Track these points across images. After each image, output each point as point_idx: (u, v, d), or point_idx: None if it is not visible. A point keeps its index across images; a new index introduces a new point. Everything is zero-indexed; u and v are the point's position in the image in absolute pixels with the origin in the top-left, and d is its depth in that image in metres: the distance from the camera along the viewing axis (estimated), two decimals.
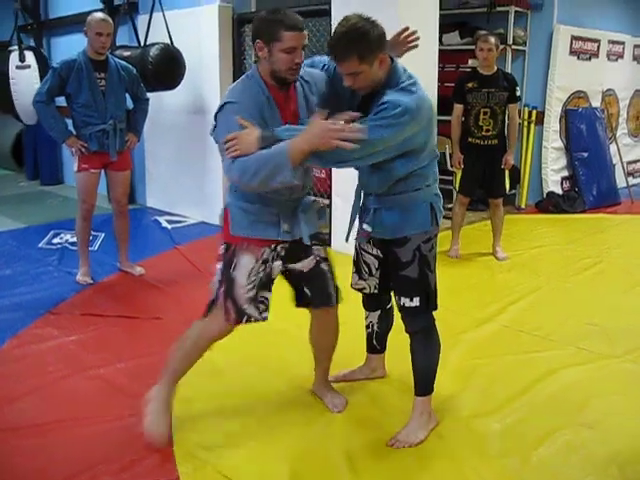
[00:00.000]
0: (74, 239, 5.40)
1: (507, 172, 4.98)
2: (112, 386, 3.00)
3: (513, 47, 6.64)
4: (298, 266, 2.57)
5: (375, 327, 2.96)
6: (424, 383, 2.63)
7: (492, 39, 4.75)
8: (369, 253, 2.68)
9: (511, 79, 4.92)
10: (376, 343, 3.02)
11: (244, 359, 3.28)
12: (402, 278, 2.52)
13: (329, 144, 2.11)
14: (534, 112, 6.78)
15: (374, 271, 2.70)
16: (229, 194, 2.49)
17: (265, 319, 2.53)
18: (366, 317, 2.96)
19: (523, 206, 6.95)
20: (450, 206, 6.19)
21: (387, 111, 2.19)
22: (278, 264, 2.51)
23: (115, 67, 4.30)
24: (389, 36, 2.48)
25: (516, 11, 6.60)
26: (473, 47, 6.51)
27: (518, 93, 4.90)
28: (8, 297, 4.20)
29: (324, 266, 2.61)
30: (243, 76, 2.41)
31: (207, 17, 5.82)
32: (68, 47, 7.48)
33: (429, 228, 2.48)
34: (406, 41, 2.61)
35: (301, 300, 2.66)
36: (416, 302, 2.52)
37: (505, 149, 4.92)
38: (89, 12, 6.83)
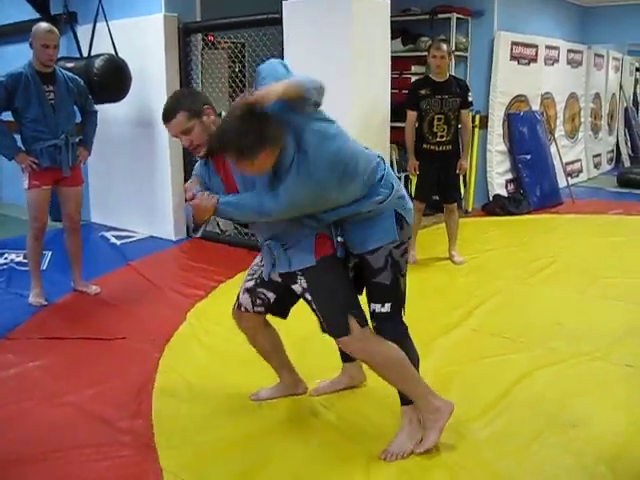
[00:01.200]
0: (19, 258, 5.23)
1: (461, 177, 5.05)
2: (87, 413, 2.85)
3: (456, 53, 6.75)
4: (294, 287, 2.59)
5: None
6: (410, 389, 2.58)
7: (444, 46, 4.82)
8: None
9: (463, 85, 4.99)
10: None
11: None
12: (375, 285, 2.51)
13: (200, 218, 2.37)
14: (478, 116, 6.91)
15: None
16: None
17: (258, 313, 2.71)
18: None
19: (470, 209, 7.06)
20: None
21: None
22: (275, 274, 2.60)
23: (63, 79, 4.14)
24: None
25: (457, 18, 6.72)
26: (416, 54, 6.68)
27: (470, 99, 4.97)
28: None
29: (307, 296, 2.52)
30: None
31: (152, 27, 5.68)
32: (2, 58, 7.22)
33: (395, 237, 2.45)
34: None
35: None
36: (387, 308, 2.51)
37: (459, 154, 4.99)
38: (25, 22, 6.67)
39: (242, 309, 2.73)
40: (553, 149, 7.86)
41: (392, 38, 6.69)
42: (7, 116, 4.06)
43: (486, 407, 2.87)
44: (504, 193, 7.19)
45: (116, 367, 3.32)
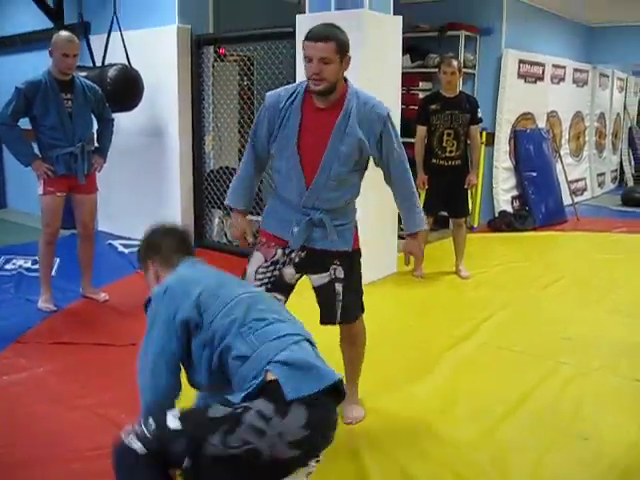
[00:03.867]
0: (28, 264, 5.25)
1: (469, 192, 5.09)
2: (101, 418, 2.85)
3: (463, 70, 6.80)
4: (312, 278, 2.67)
5: None
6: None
7: (455, 62, 4.87)
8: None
9: (473, 101, 5.05)
10: None
11: None
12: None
13: None
14: (484, 133, 6.95)
15: None
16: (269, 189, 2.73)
17: None
18: None
19: (476, 225, 7.09)
20: None
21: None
22: (290, 271, 2.61)
23: (81, 87, 4.18)
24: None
25: (466, 35, 6.79)
26: (424, 70, 6.74)
27: (480, 115, 5.02)
28: None
29: (338, 287, 2.64)
30: None
31: (165, 38, 5.74)
32: (15, 66, 7.30)
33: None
34: None
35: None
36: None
37: (467, 169, 5.03)
38: (37, 31, 6.75)
39: None
40: (558, 167, 7.91)
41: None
42: (25, 124, 4.11)
43: (495, 420, 2.88)
44: (510, 209, 7.23)
45: (126, 372, 3.28)
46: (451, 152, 4.92)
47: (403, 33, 6.99)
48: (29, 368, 3.40)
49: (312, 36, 2.40)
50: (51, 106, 4.01)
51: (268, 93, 2.62)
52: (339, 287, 2.64)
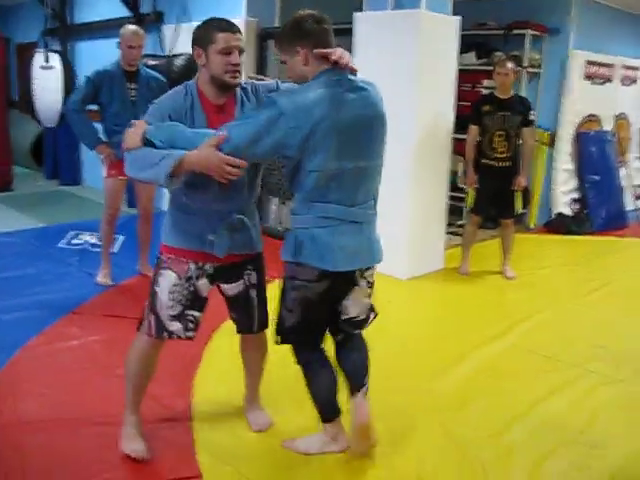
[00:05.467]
0: (93, 240, 5.59)
1: (519, 193, 5.11)
2: None
3: (528, 70, 6.78)
4: (226, 288, 2.58)
5: None
6: (317, 410, 2.61)
7: (509, 64, 4.89)
8: None
9: (526, 103, 5.05)
10: None
11: None
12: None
13: (218, 174, 2.17)
14: (546, 134, 6.90)
15: None
16: (168, 202, 2.49)
17: (190, 338, 2.53)
18: None
19: (532, 226, 7.05)
20: (460, 223, 6.37)
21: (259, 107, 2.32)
22: (204, 282, 2.48)
23: (145, 77, 4.44)
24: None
25: (532, 34, 6.73)
26: (489, 68, 6.72)
27: (532, 117, 5.03)
28: (32, 295, 4.34)
29: (252, 293, 2.60)
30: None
31: None
32: (93, 52, 7.69)
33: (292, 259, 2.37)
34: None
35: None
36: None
37: (518, 171, 5.04)
38: (115, 19, 7.09)
39: (174, 337, 2.51)
40: (623, 171, 7.75)
41: (466, 51, 6.85)
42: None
43: (508, 420, 2.97)
44: (568, 212, 7.15)
45: (171, 348, 3.53)
46: (501, 153, 4.95)
47: (469, 30, 7.03)
48: (80, 337, 3.71)
49: (229, 27, 2.31)
50: (116, 94, 4.29)
51: (159, 100, 2.40)
52: (253, 293, 2.59)
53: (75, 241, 5.72)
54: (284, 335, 2.51)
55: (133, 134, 2.26)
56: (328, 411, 2.60)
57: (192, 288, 2.46)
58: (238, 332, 2.74)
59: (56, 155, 8.61)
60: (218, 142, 2.13)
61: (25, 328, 3.78)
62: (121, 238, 5.59)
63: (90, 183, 8.30)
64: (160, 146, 2.20)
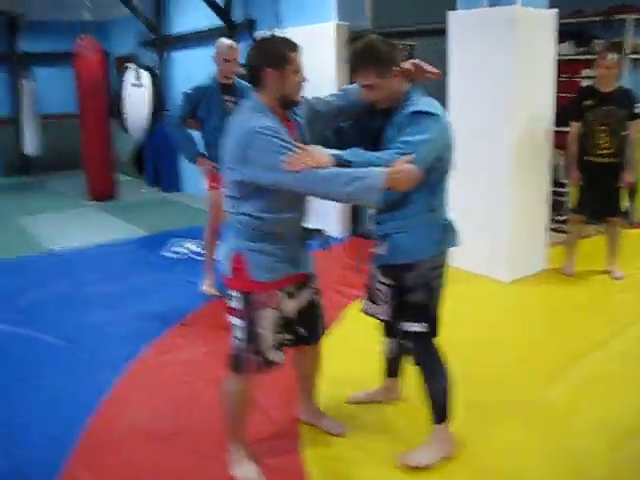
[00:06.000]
0: (197, 248, 5.72)
1: (625, 190, 4.91)
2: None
3: (631, 57, 6.47)
4: (298, 301, 2.58)
5: (392, 353, 3.02)
6: (436, 411, 2.67)
7: (612, 56, 4.66)
8: (380, 281, 2.71)
9: (632, 96, 4.81)
10: (392, 367, 3.09)
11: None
12: (406, 303, 2.61)
13: (404, 187, 2.28)
14: None
15: (388, 298, 2.71)
16: (237, 238, 2.43)
17: (283, 363, 2.56)
18: (383, 342, 3.02)
19: (637, 221, 6.73)
20: (561, 218, 6.15)
21: (420, 121, 2.37)
22: (292, 304, 2.53)
23: (240, 89, 4.52)
24: None
25: (635, 19, 6.42)
26: (588, 57, 6.47)
27: (638, 110, 4.80)
28: (138, 306, 4.55)
29: (318, 299, 2.68)
30: (247, 108, 2.38)
31: (324, 35, 5.98)
32: (186, 62, 7.92)
33: (436, 251, 2.56)
34: (421, 73, 2.61)
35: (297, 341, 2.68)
36: (417, 327, 2.60)
37: (623, 167, 4.83)
38: (208, 29, 7.27)
39: (274, 367, 2.54)
40: None
41: (563, 41, 6.62)
42: None
43: (623, 433, 2.87)
44: None
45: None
46: (605, 149, 4.75)
47: (564, 19, 6.79)
48: (188, 349, 3.84)
49: (296, 45, 2.38)
50: (214, 109, 4.40)
51: (271, 127, 2.29)
52: (318, 299, 2.69)
53: (178, 249, 5.90)
54: (434, 325, 2.63)
55: (316, 156, 2.25)
56: (444, 410, 2.68)
57: (284, 314, 2.51)
58: (306, 344, 2.74)
59: (157, 163, 8.93)
60: (410, 161, 2.25)
61: (134, 340, 3.95)
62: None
63: (190, 190, 8.56)
64: (354, 167, 2.27)
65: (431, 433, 2.70)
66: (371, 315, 2.83)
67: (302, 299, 2.59)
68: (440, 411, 2.66)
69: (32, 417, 3.13)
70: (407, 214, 2.50)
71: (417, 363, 2.68)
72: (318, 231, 2.57)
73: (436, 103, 2.45)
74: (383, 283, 2.69)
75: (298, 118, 2.47)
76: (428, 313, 2.61)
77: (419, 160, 2.28)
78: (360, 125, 2.61)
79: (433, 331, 2.63)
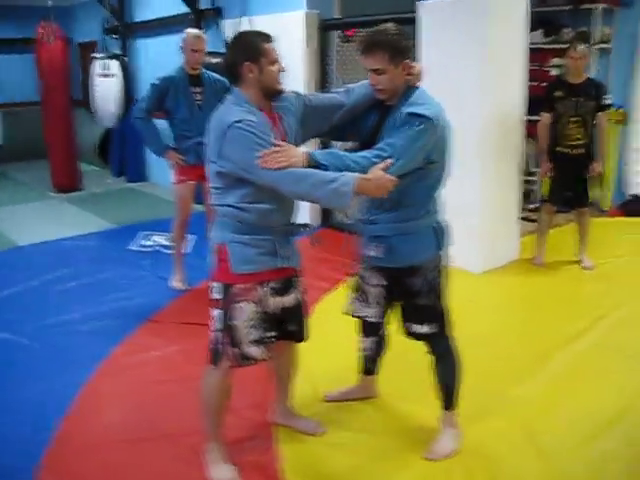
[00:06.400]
0: (165, 242, 5.57)
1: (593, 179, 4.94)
2: None
3: (598, 46, 6.50)
4: (284, 300, 2.55)
5: (370, 352, 3.01)
6: (446, 398, 2.76)
7: (583, 47, 4.68)
8: (372, 283, 2.69)
9: (600, 87, 4.83)
10: (370, 366, 3.09)
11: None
12: (413, 306, 2.62)
13: (380, 194, 2.28)
14: (619, 111, 6.62)
15: (380, 300, 2.71)
16: (221, 230, 2.44)
17: (265, 359, 2.54)
18: (362, 342, 3.01)
19: (606, 208, 6.81)
20: (532, 206, 6.17)
21: (412, 124, 2.33)
22: (275, 300, 2.50)
23: (209, 80, 4.44)
24: None
25: (604, 8, 6.44)
26: (557, 46, 6.49)
27: (608, 101, 4.82)
28: (108, 303, 4.43)
29: (304, 298, 2.69)
30: (228, 102, 2.39)
31: (293, 23, 5.89)
32: (151, 49, 7.75)
33: (435, 253, 2.59)
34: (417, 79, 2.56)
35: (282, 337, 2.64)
36: (426, 329, 2.63)
37: (593, 157, 4.86)
38: (174, 16, 7.12)
39: (253, 362, 2.51)
40: None
41: (533, 30, 6.61)
42: None
43: (598, 427, 2.88)
44: None
45: None
46: (576, 140, 4.77)
47: (534, 7, 6.79)
48: (160, 347, 3.75)
49: (269, 36, 2.39)
50: (181, 100, 4.31)
51: (254, 123, 2.29)
52: (303, 298, 2.69)
53: (146, 243, 5.79)
54: (444, 324, 2.67)
55: (292, 154, 2.25)
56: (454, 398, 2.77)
57: (266, 309, 2.48)
58: (298, 341, 2.76)
59: (122, 153, 8.76)
60: (386, 167, 2.25)
61: (103, 339, 3.86)
62: (194, 238, 5.53)
63: (156, 180, 8.42)
64: (329, 169, 2.25)
65: (441, 419, 2.77)
66: (359, 317, 2.81)
67: (290, 298, 2.57)
68: (450, 397, 2.74)
69: None
70: (405, 217, 2.50)
71: (431, 353, 2.73)
72: (305, 225, 2.58)
73: (435, 104, 2.43)
74: (376, 285, 2.67)
75: (284, 111, 2.44)
76: (436, 314, 2.64)
77: (397, 168, 2.28)
78: (357, 121, 2.58)
79: (443, 330, 2.67)
